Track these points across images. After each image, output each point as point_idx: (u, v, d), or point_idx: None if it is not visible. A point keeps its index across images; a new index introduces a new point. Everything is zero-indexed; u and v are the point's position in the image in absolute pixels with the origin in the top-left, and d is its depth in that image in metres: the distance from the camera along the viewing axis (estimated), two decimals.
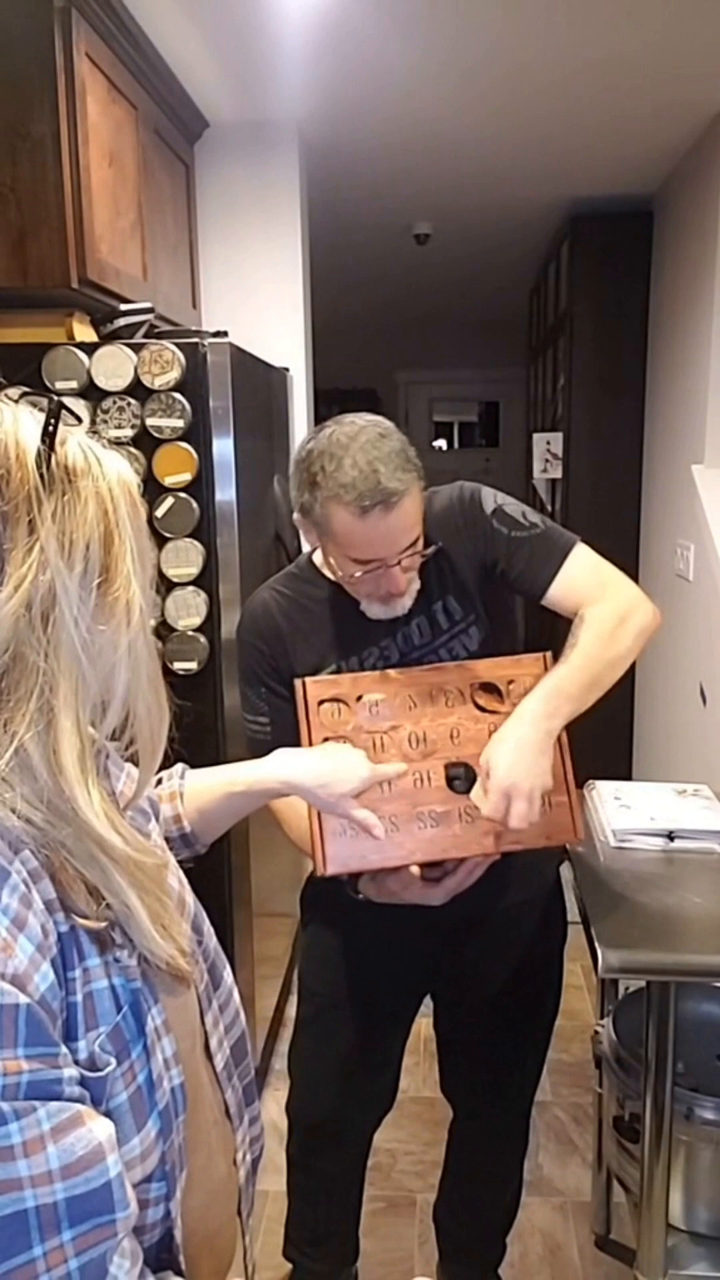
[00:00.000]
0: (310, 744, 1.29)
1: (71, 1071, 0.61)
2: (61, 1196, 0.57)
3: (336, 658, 1.42)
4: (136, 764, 0.77)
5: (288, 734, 1.35)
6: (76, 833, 0.66)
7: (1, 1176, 0.56)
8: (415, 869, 1.28)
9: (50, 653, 0.65)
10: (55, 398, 0.67)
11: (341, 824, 1.22)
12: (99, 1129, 0.61)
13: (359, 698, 1.31)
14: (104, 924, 0.67)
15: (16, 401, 0.68)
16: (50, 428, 0.66)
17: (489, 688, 1.33)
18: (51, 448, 0.65)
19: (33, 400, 0.69)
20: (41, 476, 0.64)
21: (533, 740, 1.23)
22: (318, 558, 1.46)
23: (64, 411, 0.67)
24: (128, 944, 0.69)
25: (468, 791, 1.27)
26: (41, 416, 0.67)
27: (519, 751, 1.22)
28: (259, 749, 1.44)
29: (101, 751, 0.74)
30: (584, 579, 1.36)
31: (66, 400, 0.72)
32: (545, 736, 1.24)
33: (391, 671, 1.34)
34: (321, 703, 1.31)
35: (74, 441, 0.68)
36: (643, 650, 1.34)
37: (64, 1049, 0.62)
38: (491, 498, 1.42)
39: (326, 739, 1.28)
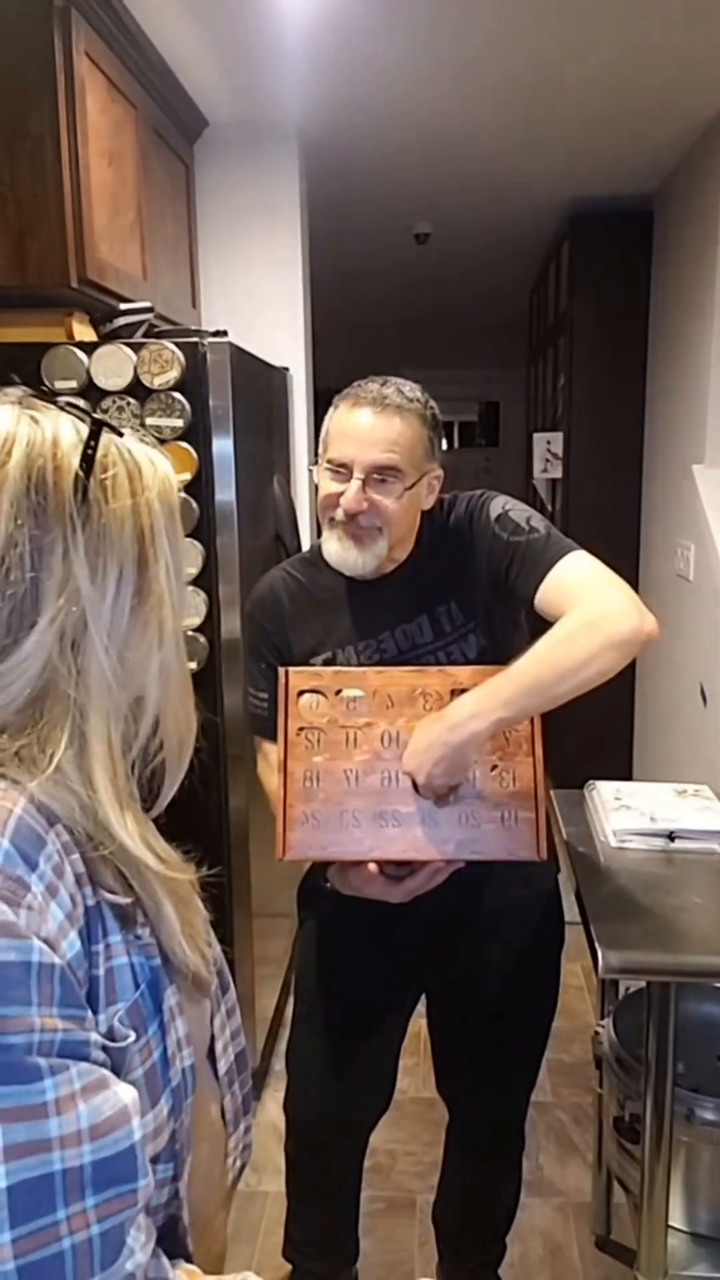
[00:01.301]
0: (286, 732, 1.32)
1: (96, 1036, 0.62)
2: (88, 1159, 0.57)
3: (333, 645, 1.43)
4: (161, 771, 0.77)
5: None
6: (116, 847, 0.67)
7: (33, 1137, 0.55)
8: (373, 866, 1.29)
9: (79, 682, 0.65)
10: (96, 418, 0.67)
11: (306, 812, 1.29)
12: (124, 1092, 0.61)
13: (338, 691, 1.33)
14: (130, 900, 0.68)
15: (61, 409, 0.67)
16: (89, 450, 0.65)
17: None
18: (89, 473, 0.65)
19: (75, 412, 0.68)
20: (76, 504, 0.64)
21: (439, 738, 1.24)
22: None
23: (105, 429, 0.67)
24: (148, 923, 0.70)
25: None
26: (84, 430, 0.66)
27: (426, 743, 1.26)
28: (259, 724, 1.48)
29: (131, 771, 0.75)
30: (572, 583, 1.29)
31: (82, 401, 0.71)
32: (461, 737, 1.23)
33: (373, 670, 1.35)
34: (301, 693, 1.33)
35: (115, 452, 0.68)
36: (621, 664, 1.22)
37: (89, 1014, 0.62)
38: (500, 505, 1.40)
39: (301, 729, 1.32)
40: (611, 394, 3.78)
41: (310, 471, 1.43)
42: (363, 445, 1.30)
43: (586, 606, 1.25)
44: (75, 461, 0.65)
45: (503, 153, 3.12)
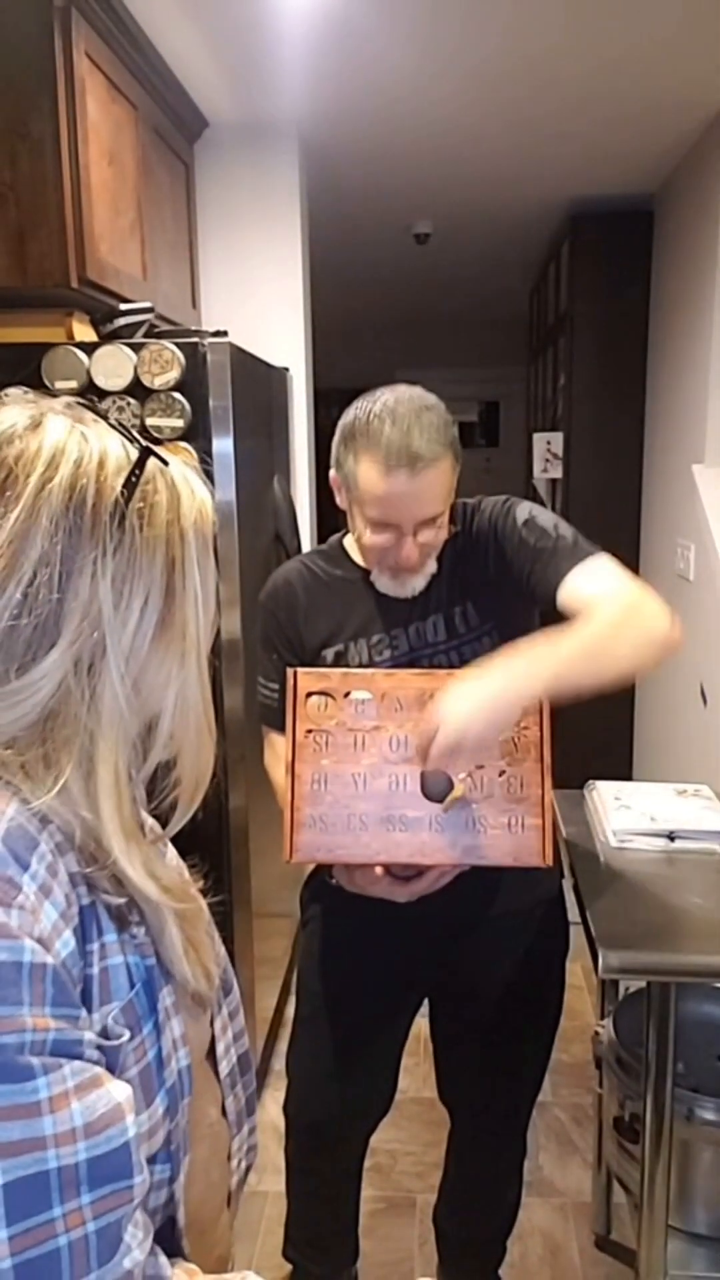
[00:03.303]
0: (294, 734, 1.31)
1: (90, 1035, 0.62)
2: (83, 1157, 0.58)
3: (345, 638, 1.43)
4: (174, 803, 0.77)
5: None
6: (118, 871, 0.67)
7: (27, 1135, 0.56)
8: (379, 868, 1.30)
9: (91, 706, 0.65)
10: (144, 444, 0.67)
11: (314, 815, 1.28)
12: (117, 1090, 0.62)
13: (347, 694, 1.32)
14: (125, 899, 0.68)
15: (111, 426, 0.67)
16: (133, 477, 0.65)
17: None
18: (129, 500, 0.64)
19: (123, 431, 0.68)
20: (111, 529, 0.64)
21: (491, 689, 1.14)
22: (348, 541, 1.48)
23: (152, 455, 0.66)
24: (144, 922, 0.70)
25: (442, 800, 1.28)
26: (131, 453, 0.66)
27: (474, 694, 1.13)
28: (268, 715, 1.49)
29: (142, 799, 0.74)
30: (601, 579, 1.28)
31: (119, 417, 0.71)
32: (515, 691, 1.14)
33: (381, 672, 1.35)
34: (310, 695, 1.32)
35: (157, 480, 0.67)
36: (651, 665, 1.21)
37: (84, 1013, 0.63)
38: (526, 509, 1.40)
39: (309, 731, 1.31)
40: (611, 394, 3.78)
41: (330, 477, 1.42)
42: (406, 510, 1.30)
43: (626, 598, 1.24)
44: (118, 485, 0.64)
45: (503, 152, 3.12)
